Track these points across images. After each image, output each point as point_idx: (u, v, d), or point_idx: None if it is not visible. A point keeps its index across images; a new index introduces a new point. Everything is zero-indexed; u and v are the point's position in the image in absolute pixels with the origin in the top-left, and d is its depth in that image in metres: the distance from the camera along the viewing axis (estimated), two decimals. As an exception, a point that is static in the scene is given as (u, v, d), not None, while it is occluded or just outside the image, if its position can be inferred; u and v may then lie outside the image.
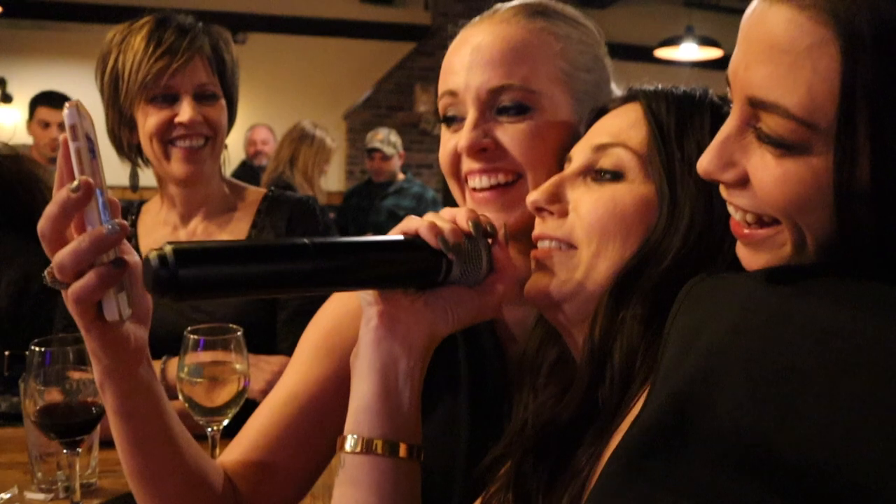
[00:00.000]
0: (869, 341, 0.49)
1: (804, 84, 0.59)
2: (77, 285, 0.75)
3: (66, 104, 0.76)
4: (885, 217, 0.60)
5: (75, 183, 0.74)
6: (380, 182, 5.07)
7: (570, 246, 0.83)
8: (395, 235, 0.81)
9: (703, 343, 0.57)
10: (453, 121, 1.02)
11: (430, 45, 7.79)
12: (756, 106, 0.63)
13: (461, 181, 1.02)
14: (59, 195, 0.75)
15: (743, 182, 0.67)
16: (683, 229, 0.77)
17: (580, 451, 0.75)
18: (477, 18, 1.04)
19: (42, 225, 0.77)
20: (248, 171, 5.70)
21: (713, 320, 0.58)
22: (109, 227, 0.75)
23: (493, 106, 0.98)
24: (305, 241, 0.71)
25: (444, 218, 0.82)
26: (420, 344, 0.81)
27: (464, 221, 0.82)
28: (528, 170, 0.97)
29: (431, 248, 0.79)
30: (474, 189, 1.00)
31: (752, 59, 0.63)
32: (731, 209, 0.71)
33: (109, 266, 0.76)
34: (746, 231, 0.69)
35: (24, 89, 7.77)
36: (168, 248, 0.63)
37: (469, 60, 0.99)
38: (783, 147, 0.62)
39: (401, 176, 5.11)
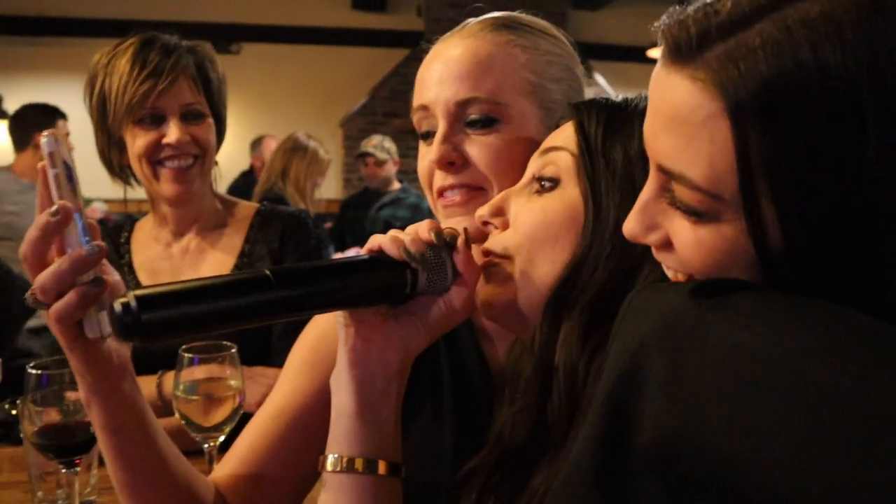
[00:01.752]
0: (776, 361, 0.50)
1: (705, 156, 0.59)
2: (58, 305, 0.78)
3: (44, 133, 0.79)
4: (806, 273, 0.60)
5: (54, 207, 0.77)
6: (376, 192, 5.06)
7: (506, 257, 0.86)
8: (358, 255, 0.83)
9: (627, 356, 0.57)
10: (428, 136, 1.04)
11: (424, 51, 7.80)
12: (666, 174, 0.64)
13: (435, 194, 1.05)
14: (40, 220, 0.78)
15: (667, 245, 0.68)
16: (609, 232, 0.78)
17: (538, 471, 0.76)
18: (448, 34, 1.07)
19: (24, 248, 0.79)
20: (248, 180, 5.70)
21: (638, 332, 0.58)
22: (88, 248, 0.78)
23: (462, 119, 1.01)
24: (266, 272, 0.72)
25: (407, 231, 0.85)
26: (394, 361, 0.82)
27: (425, 231, 0.84)
28: (494, 181, 1.00)
29: (396, 261, 0.81)
30: (445, 205, 1.03)
31: (659, 127, 0.64)
32: (664, 267, 0.71)
33: (89, 286, 0.78)
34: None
35: (19, 105, 7.81)
36: (130, 295, 0.66)
37: (439, 75, 1.02)
38: (695, 215, 0.63)
39: (396, 185, 5.10)
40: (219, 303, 0.70)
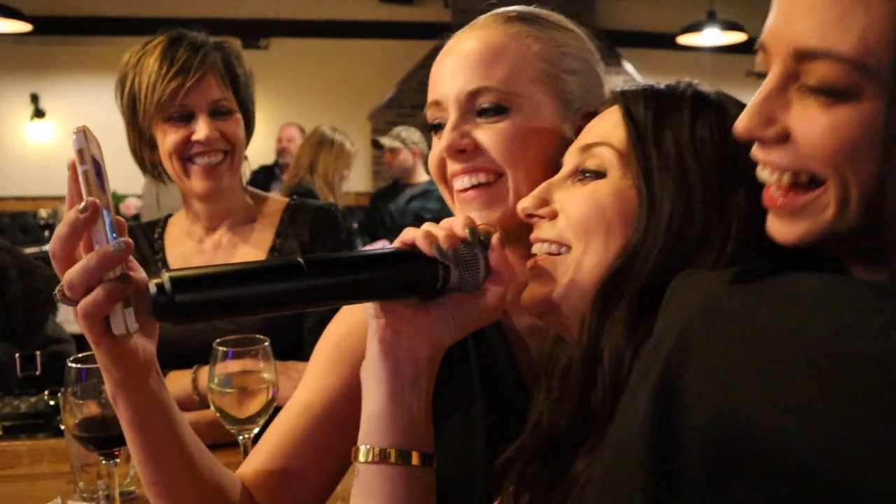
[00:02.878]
0: (824, 339, 0.50)
1: (858, 28, 0.61)
2: (86, 301, 0.79)
3: (74, 129, 0.80)
4: None
5: (83, 204, 0.78)
6: (406, 184, 5.04)
7: (563, 245, 0.85)
8: (392, 247, 0.83)
9: (671, 342, 0.57)
10: (439, 128, 1.04)
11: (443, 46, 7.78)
12: (803, 58, 0.65)
13: (448, 184, 1.05)
14: (69, 216, 0.79)
15: (783, 138, 0.68)
16: (664, 225, 0.77)
17: (579, 458, 0.76)
18: (462, 29, 1.07)
19: (53, 245, 0.81)
20: (268, 174, 5.74)
21: (681, 318, 0.58)
22: (115, 244, 0.78)
23: (473, 109, 1.00)
24: (299, 259, 0.73)
25: (441, 226, 0.84)
26: (424, 354, 0.82)
27: (459, 228, 0.83)
28: (507, 168, 0.99)
29: (428, 257, 0.80)
30: (458, 190, 1.03)
31: (798, 13, 0.65)
32: (764, 174, 0.72)
33: (115, 282, 0.79)
34: (782, 200, 0.70)
35: (56, 104, 7.97)
36: (165, 276, 0.67)
37: (451, 68, 1.02)
38: (833, 95, 0.63)
39: (424, 177, 5.06)
40: (251, 287, 0.71)
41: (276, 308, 0.74)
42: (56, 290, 0.82)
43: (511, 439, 0.95)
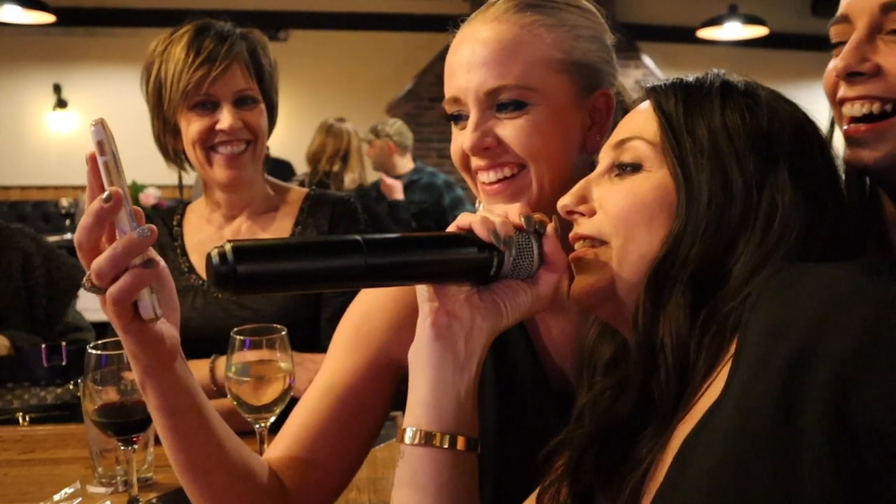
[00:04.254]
0: None
1: None
2: (114, 288, 0.80)
3: (92, 122, 0.81)
4: None
5: (106, 193, 0.79)
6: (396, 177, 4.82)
7: (601, 241, 0.84)
8: (447, 231, 0.84)
9: (792, 340, 0.60)
10: (459, 119, 1.06)
11: (453, 35, 7.75)
12: (888, 10, 0.87)
13: (473, 175, 1.07)
14: (93, 206, 0.80)
15: (875, 73, 0.88)
16: (703, 208, 0.77)
17: (641, 443, 0.76)
18: (473, 15, 1.07)
19: (78, 236, 0.82)
20: (278, 166, 5.69)
21: (801, 317, 0.61)
22: (140, 231, 0.80)
23: (492, 104, 1.02)
24: (357, 237, 0.74)
25: (497, 213, 0.85)
26: (477, 339, 0.83)
27: (516, 216, 0.84)
28: (530, 161, 1.02)
29: (483, 242, 0.81)
30: (483, 183, 1.05)
31: None
32: (854, 109, 0.90)
33: (142, 268, 0.80)
34: (867, 126, 0.89)
35: (78, 94, 8.06)
36: (227, 246, 0.67)
37: (466, 62, 1.03)
38: None
39: (407, 167, 4.89)
40: (311, 262, 0.71)
41: (333, 283, 0.75)
42: (84, 280, 0.83)
43: (519, 424, 0.95)
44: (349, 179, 4.35)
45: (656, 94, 0.85)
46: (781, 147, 0.78)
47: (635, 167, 0.83)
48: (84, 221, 0.81)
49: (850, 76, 0.90)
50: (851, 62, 0.89)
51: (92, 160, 0.82)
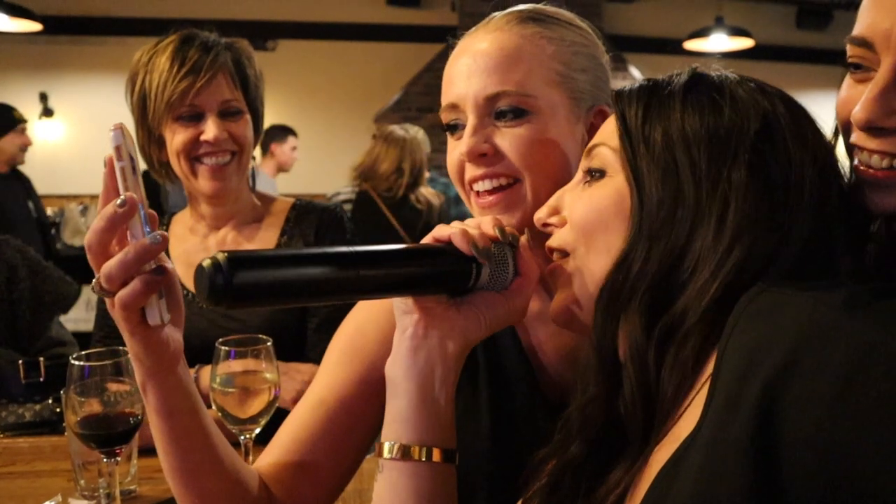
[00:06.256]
0: None
1: None
2: (124, 292, 0.80)
3: (112, 126, 0.81)
4: None
5: (121, 199, 0.80)
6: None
7: (565, 253, 0.85)
8: (425, 243, 0.84)
9: (770, 365, 0.58)
10: (456, 129, 1.06)
11: (452, 47, 7.79)
12: None
13: (466, 187, 1.06)
14: (107, 210, 0.80)
15: None
16: (654, 214, 0.75)
17: (617, 467, 0.75)
18: (474, 28, 1.07)
19: (90, 238, 0.82)
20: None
21: (779, 343, 0.59)
22: (152, 237, 0.80)
23: (491, 112, 1.01)
24: (348, 249, 0.74)
25: (471, 225, 0.85)
26: (454, 350, 0.84)
27: (490, 228, 0.85)
28: (525, 173, 1.01)
29: (461, 254, 0.82)
30: (478, 193, 1.04)
31: None
32: (872, 159, 0.78)
33: (152, 274, 0.81)
34: (885, 173, 0.77)
35: (64, 103, 8.00)
36: (221, 256, 0.66)
37: (466, 70, 1.03)
38: None
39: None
40: (305, 272, 0.71)
41: (324, 296, 0.75)
42: (93, 283, 0.83)
43: (514, 431, 0.94)
44: (430, 193, 4.22)
45: (621, 100, 0.85)
46: (743, 139, 0.74)
47: (602, 173, 0.83)
48: (96, 225, 0.81)
49: (871, 130, 0.77)
50: (874, 117, 0.75)
51: (109, 164, 0.82)
